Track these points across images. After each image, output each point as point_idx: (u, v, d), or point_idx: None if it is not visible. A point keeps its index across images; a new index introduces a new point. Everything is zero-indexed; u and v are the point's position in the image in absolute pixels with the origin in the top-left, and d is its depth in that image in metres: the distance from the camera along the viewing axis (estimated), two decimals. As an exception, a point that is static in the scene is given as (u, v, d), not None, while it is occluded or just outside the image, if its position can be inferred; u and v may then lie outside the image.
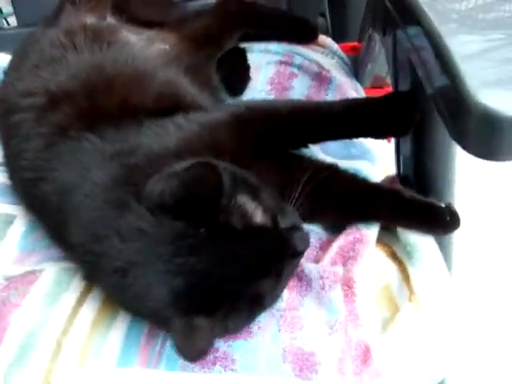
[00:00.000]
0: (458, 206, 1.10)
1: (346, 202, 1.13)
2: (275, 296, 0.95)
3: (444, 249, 1.13)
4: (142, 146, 1.04)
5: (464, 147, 0.77)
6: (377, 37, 1.34)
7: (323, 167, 1.15)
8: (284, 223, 0.94)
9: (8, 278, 1.11)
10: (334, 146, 1.28)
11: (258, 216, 0.90)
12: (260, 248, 0.89)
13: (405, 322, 1.00)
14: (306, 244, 0.96)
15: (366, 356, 0.96)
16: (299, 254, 0.96)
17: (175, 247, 0.87)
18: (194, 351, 0.87)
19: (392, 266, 1.10)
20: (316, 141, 1.17)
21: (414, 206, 1.09)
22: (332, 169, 1.16)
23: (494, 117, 0.69)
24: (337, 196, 1.13)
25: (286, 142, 1.13)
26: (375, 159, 1.32)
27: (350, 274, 1.03)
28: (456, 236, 1.16)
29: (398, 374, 0.97)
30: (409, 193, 1.10)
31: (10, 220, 1.25)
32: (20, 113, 1.20)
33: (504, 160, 0.73)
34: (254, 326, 0.96)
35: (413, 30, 0.92)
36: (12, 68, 1.39)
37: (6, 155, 1.27)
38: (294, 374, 0.91)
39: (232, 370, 0.91)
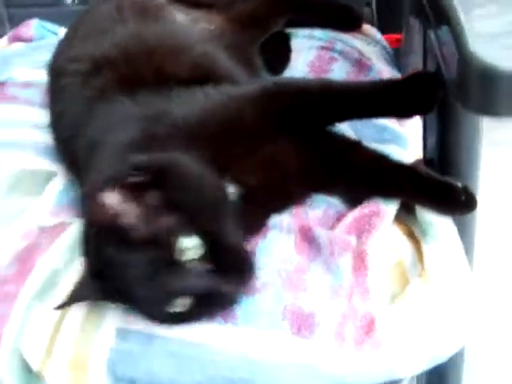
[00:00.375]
0: (482, 192, 1.10)
1: (364, 176, 1.13)
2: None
3: (466, 235, 1.13)
4: (168, 112, 1.07)
5: (465, 105, 0.78)
6: (415, 23, 1.34)
7: (347, 142, 1.17)
8: (205, 264, 0.90)
9: (42, 228, 1.16)
10: (367, 129, 1.28)
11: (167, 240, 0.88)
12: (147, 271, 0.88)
13: (412, 296, 1.00)
14: (221, 300, 0.92)
15: (369, 327, 0.96)
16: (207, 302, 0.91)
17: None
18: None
19: (407, 244, 1.09)
20: (343, 118, 1.17)
21: (430, 183, 1.09)
22: (354, 143, 1.17)
23: (493, 71, 0.70)
24: (357, 169, 1.14)
25: (312, 118, 1.13)
26: (406, 144, 1.31)
27: (363, 247, 1.03)
28: (478, 221, 1.15)
29: (399, 346, 0.96)
30: (425, 170, 1.11)
31: (49, 177, 1.29)
32: (67, 77, 1.28)
33: (502, 115, 0.73)
34: (259, 284, 0.97)
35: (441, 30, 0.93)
36: (66, 38, 1.48)
37: (52, 115, 1.34)
38: (292, 332, 0.92)
39: (233, 323, 0.94)
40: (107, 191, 0.86)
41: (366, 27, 1.63)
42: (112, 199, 0.86)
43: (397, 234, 1.11)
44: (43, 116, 1.41)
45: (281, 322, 0.93)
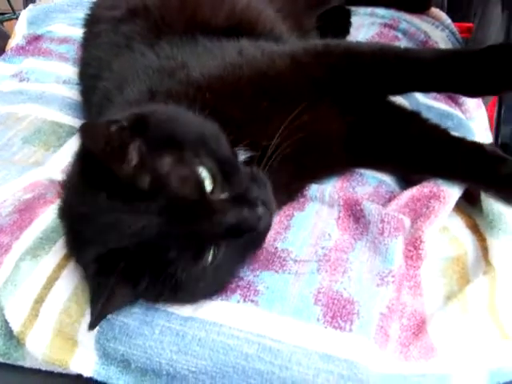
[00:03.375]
0: None
1: (423, 151, 0.94)
2: (208, 280, 0.72)
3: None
4: (186, 66, 0.90)
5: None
6: (492, 12, 1.14)
7: (403, 112, 0.98)
8: (223, 193, 0.71)
9: (52, 181, 1.02)
10: (428, 116, 1.07)
11: (174, 182, 0.68)
12: (169, 219, 0.67)
13: (473, 297, 0.78)
14: (254, 222, 0.71)
15: (419, 329, 0.76)
16: (241, 233, 0.71)
17: (84, 209, 0.71)
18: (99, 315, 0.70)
19: (470, 236, 0.89)
20: (400, 89, 0.98)
21: (494, 161, 0.88)
22: (412, 114, 0.98)
23: None
24: (414, 143, 0.94)
25: (363, 84, 0.93)
26: (472, 135, 1.10)
27: (418, 233, 0.83)
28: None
29: (454, 355, 0.74)
30: (492, 148, 0.91)
31: (72, 132, 1.16)
32: (101, 24, 1.14)
33: None
34: (290, 259, 0.78)
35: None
36: None
37: (80, 65, 1.20)
38: (324, 320, 0.72)
39: (252, 301, 0.74)
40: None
41: (435, 10, 1.42)
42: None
43: (458, 224, 0.90)
44: (74, 72, 1.29)
45: (311, 307, 0.73)
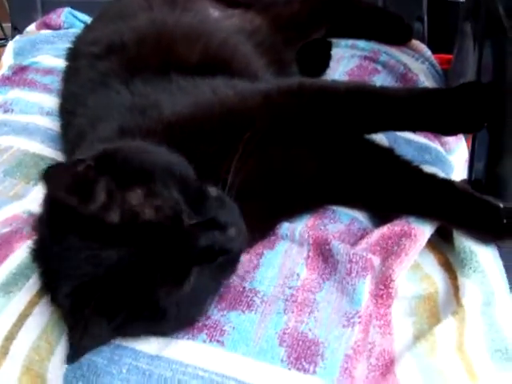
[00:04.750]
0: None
1: (395, 188, 0.94)
2: (187, 306, 0.73)
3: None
4: (157, 104, 0.90)
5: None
6: (468, 46, 1.16)
7: (376, 149, 0.99)
8: (195, 219, 0.72)
9: (31, 215, 1.01)
10: (406, 148, 1.09)
11: (147, 213, 0.69)
12: (144, 249, 0.68)
13: (442, 337, 0.78)
14: (225, 244, 0.72)
15: (387, 369, 0.76)
16: (215, 256, 0.72)
17: (58, 249, 0.71)
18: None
19: (442, 275, 0.89)
20: (374, 128, 0.98)
21: (466, 199, 0.90)
22: (385, 151, 0.99)
23: None
24: (386, 180, 0.95)
25: (336, 123, 0.93)
26: (451, 169, 1.11)
27: (389, 271, 0.83)
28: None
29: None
30: (463, 186, 0.93)
31: None
32: (81, 59, 1.14)
33: None
34: (257, 299, 0.78)
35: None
36: (91, 22, 1.36)
37: (60, 99, 1.20)
38: (288, 362, 0.72)
39: (218, 341, 0.74)
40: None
41: (415, 43, 1.43)
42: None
43: (431, 262, 0.90)
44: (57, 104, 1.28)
45: (276, 349, 0.73)
